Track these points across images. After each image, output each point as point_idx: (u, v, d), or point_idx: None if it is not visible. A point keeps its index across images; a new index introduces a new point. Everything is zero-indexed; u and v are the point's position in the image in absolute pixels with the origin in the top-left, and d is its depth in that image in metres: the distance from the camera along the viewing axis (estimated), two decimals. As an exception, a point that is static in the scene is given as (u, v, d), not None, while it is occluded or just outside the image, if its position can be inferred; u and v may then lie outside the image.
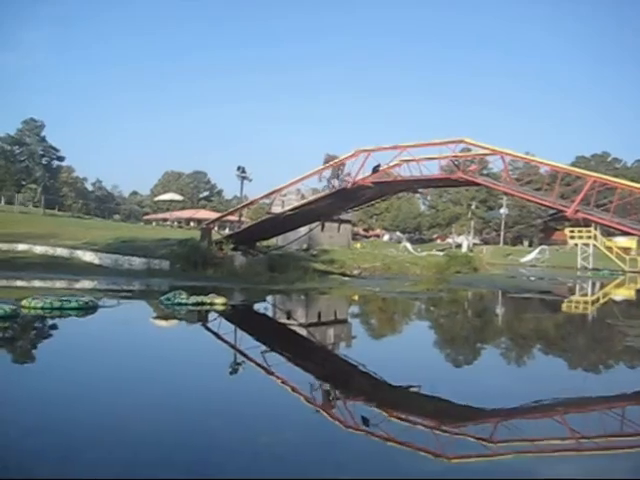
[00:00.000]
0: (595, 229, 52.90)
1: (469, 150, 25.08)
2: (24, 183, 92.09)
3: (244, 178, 32.19)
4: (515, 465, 5.99)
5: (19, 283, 19.89)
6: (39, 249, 26.78)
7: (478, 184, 26.64)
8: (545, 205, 24.36)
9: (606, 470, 6.04)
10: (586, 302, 28.21)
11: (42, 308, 13.77)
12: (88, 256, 26.14)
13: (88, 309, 14.33)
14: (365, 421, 7.07)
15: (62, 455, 5.51)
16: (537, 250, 60.84)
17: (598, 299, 30.58)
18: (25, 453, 5.52)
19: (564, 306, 25.61)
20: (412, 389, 9.00)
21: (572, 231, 57.10)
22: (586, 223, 44.56)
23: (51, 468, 5.20)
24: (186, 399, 7.63)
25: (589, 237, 54.89)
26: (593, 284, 39.04)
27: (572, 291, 34.49)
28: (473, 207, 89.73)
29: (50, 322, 13.34)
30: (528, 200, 27.16)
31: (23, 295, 14.81)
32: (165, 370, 9.34)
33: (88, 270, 23.98)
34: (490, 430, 6.89)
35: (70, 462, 5.34)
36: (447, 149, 23.66)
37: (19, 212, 42.54)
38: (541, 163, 25.97)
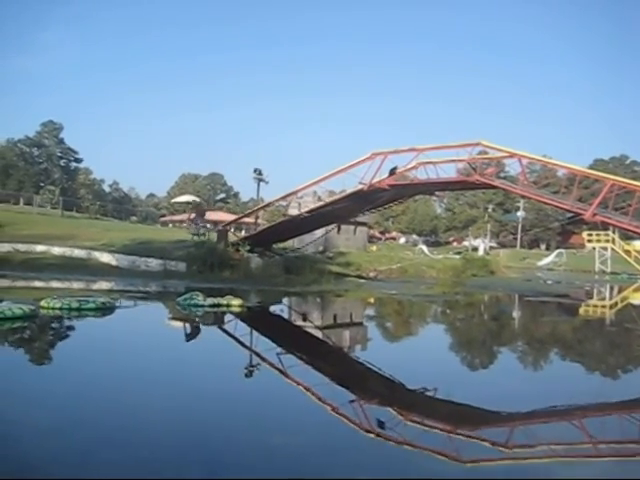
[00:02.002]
0: (613, 232, 52.42)
1: (486, 153, 24.97)
2: (42, 185, 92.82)
3: (260, 180, 32.21)
4: (531, 470, 5.94)
5: (38, 284, 20.06)
6: (57, 250, 26.97)
7: (495, 187, 26.53)
8: (563, 208, 24.24)
9: (624, 476, 5.99)
10: (604, 306, 27.96)
11: (60, 308, 13.89)
12: (105, 257, 26.29)
13: (105, 310, 14.43)
14: (381, 424, 7.06)
15: (81, 455, 5.54)
16: (554, 254, 60.39)
17: (616, 303, 30.35)
18: (45, 453, 5.56)
19: (581, 310, 25.45)
20: (428, 392, 8.97)
21: (590, 234, 56.65)
22: (604, 226, 44.21)
23: (69, 468, 5.24)
24: (202, 400, 7.65)
25: (607, 240, 54.43)
26: (611, 288, 38.72)
27: (590, 295, 34.25)
28: (490, 210, 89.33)
29: (68, 322, 13.45)
30: (545, 203, 27.04)
31: (42, 295, 14.95)
32: (182, 371, 9.36)
33: (105, 271, 24.13)
34: (506, 434, 6.86)
35: (88, 462, 5.38)
36: (464, 152, 23.60)
37: (38, 213, 42.87)
38: (558, 166, 25.86)
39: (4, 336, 11.53)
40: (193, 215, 33.27)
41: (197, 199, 79.26)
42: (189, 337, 13.48)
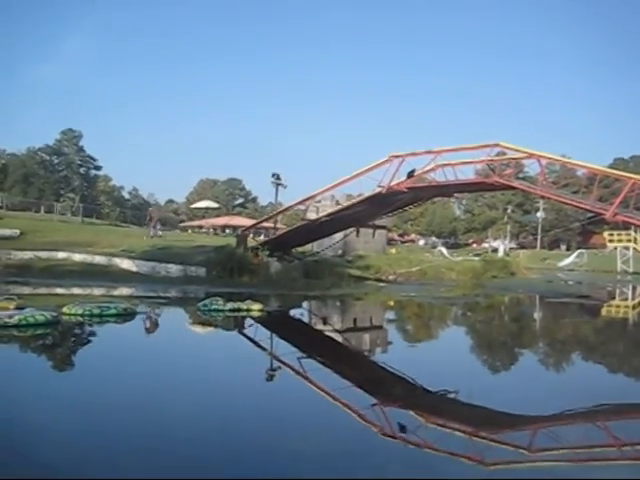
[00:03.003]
0: (635, 232, 51.94)
1: (504, 154, 24.85)
2: (63, 192, 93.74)
3: (279, 185, 32.18)
4: (555, 474, 5.89)
5: (59, 290, 20.23)
6: (78, 257, 27.19)
7: (514, 188, 26.41)
8: (583, 208, 24.09)
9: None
10: (627, 307, 27.71)
11: (82, 315, 14.00)
12: (126, 263, 26.46)
13: (127, 316, 14.53)
14: (402, 427, 7.05)
15: (106, 460, 5.59)
16: (575, 254, 59.87)
17: (639, 303, 30.06)
18: (71, 457, 5.61)
19: (604, 311, 25.23)
20: (449, 395, 8.94)
21: (611, 234, 56.15)
22: (625, 226, 43.84)
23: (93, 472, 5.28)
24: (224, 405, 7.68)
25: (629, 240, 53.90)
26: (633, 288, 38.33)
27: (612, 295, 33.92)
28: (509, 211, 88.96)
29: (90, 328, 13.56)
30: (565, 203, 26.88)
31: (63, 302, 15.08)
32: (204, 376, 9.41)
33: (126, 277, 24.28)
34: (528, 437, 6.81)
35: (116, 465, 5.42)
36: (482, 153, 23.51)
37: (58, 221, 43.18)
38: (578, 165, 25.71)
39: (28, 342, 11.65)
40: (149, 219, 34.92)
41: (216, 204, 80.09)
42: (211, 342, 13.54)
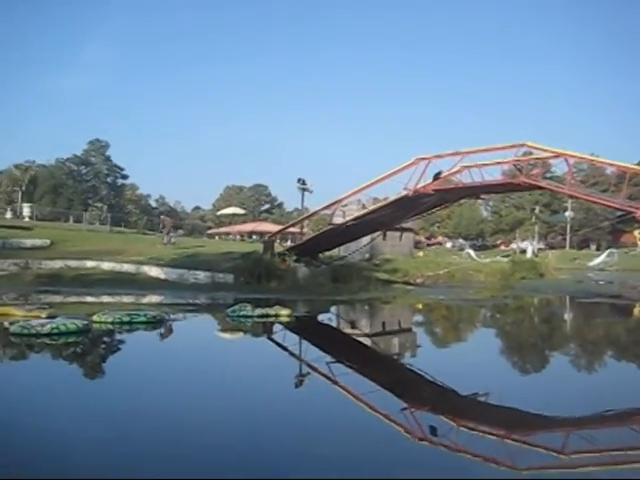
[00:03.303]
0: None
1: (531, 154, 24.65)
2: (91, 202, 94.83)
3: (305, 190, 32.25)
4: (590, 477, 5.81)
5: (89, 299, 20.43)
6: (107, 265, 27.44)
7: (542, 188, 26.19)
8: (612, 207, 23.78)
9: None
10: (659, 306, 27.33)
11: (112, 323, 14.13)
12: (154, 271, 26.64)
13: (156, 323, 14.64)
14: (433, 431, 7.01)
15: (135, 467, 5.63)
16: (605, 253, 59.12)
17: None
18: (100, 463, 5.66)
19: (636, 310, 24.90)
20: (479, 398, 8.88)
21: (642, 233, 55.56)
22: (656, 224, 43.23)
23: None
24: (253, 409, 7.70)
25: (660, 238, 53.28)
26: (666, 287, 37.78)
27: (644, 295, 33.47)
28: (537, 211, 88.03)
29: (121, 336, 13.67)
30: (594, 202, 26.59)
31: (93, 310, 15.24)
32: (234, 382, 9.44)
33: (154, 285, 24.44)
34: (562, 440, 6.74)
35: (144, 471, 5.46)
36: (509, 153, 23.32)
37: (87, 230, 43.62)
38: (607, 164, 25.41)
39: (60, 351, 11.79)
40: (163, 226, 35.60)
41: (242, 211, 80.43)
42: (241, 348, 13.60)
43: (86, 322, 13.27)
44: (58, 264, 26.87)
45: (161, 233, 36.22)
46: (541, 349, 15.20)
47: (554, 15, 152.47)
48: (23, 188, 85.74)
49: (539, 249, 67.40)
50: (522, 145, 22.92)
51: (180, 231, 64.92)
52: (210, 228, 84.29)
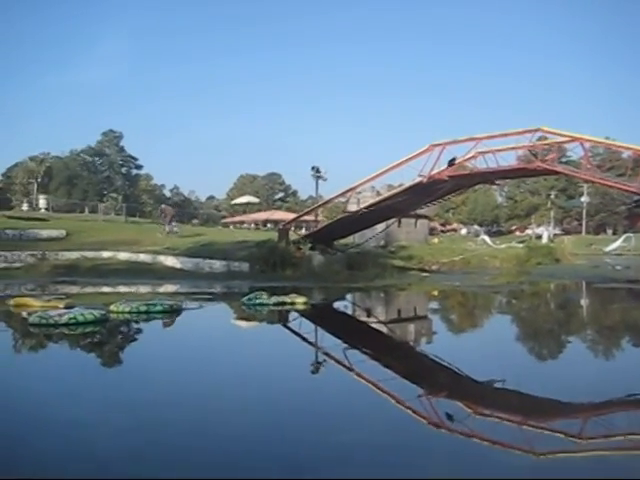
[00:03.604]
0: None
1: (546, 139, 24.49)
2: (106, 192, 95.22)
3: (319, 178, 32.20)
4: (608, 462, 5.78)
5: (105, 289, 20.56)
6: (123, 255, 27.59)
7: (557, 173, 26.05)
8: (629, 191, 23.63)
9: None
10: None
11: (129, 312, 14.22)
12: (170, 261, 26.77)
13: (173, 312, 14.71)
14: (449, 417, 7.01)
15: (158, 456, 5.68)
16: (622, 238, 58.67)
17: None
18: (120, 453, 5.71)
19: (653, 295, 24.74)
20: (496, 384, 8.87)
21: (659, 217, 55.06)
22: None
23: (146, 467, 5.37)
24: (270, 398, 7.73)
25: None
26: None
27: (662, 279, 33.22)
28: (552, 197, 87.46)
29: (139, 325, 13.77)
30: (611, 187, 26.43)
31: (110, 300, 15.34)
32: (250, 370, 9.47)
33: (170, 274, 24.56)
34: (579, 425, 6.73)
35: (166, 461, 5.50)
36: (524, 139, 23.19)
37: (102, 220, 43.85)
38: (623, 147, 25.22)
39: (78, 340, 11.90)
40: (164, 216, 35.82)
41: (256, 199, 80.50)
42: (257, 336, 13.65)
43: (103, 312, 13.37)
44: (74, 255, 27.07)
45: (163, 223, 36.16)
46: (558, 335, 15.14)
47: (555, 8, 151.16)
48: (39, 180, 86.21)
49: (555, 234, 67.11)
50: (537, 130, 22.78)
51: (194, 221, 65.11)
52: (224, 217, 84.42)
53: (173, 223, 36.55)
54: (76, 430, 6.32)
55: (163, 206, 41.57)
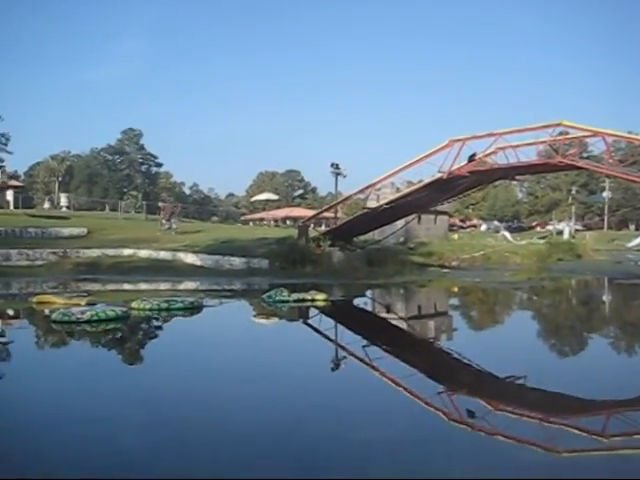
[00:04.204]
0: None
1: (567, 133, 24.28)
2: (126, 190, 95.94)
3: (338, 174, 32.19)
4: (632, 461, 5.72)
5: (127, 286, 20.70)
6: (143, 253, 27.73)
7: (579, 168, 25.80)
8: (652, 186, 23.36)
9: None
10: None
11: (150, 309, 14.33)
12: (190, 258, 26.87)
13: (193, 309, 14.79)
14: (470, 414, 6.99)
15: (177, 452, 5.70)
16: (645, 233, 58.16)
17: None
18: (143, 449, 5.76)
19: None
20: (517, 381, 8.81)
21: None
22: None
23: (166, 466, 5.40)
24: (290, 394, 7.75)
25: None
26: None
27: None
28: (573, 192, 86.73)
29: (160, 322, 13.88)
30: (633, 181, 26.11)
31: (131, 297, 15.46)
32: (271, 367, 9.50)
33: (190, 271, 24.66)
34: (602, 422, 6.67)
35: (184, 457, 5.53)
36: (544, 133, 23.01)
37: (123, 218, 44.18)
38: (646, 142, 24.89)
39: (101, 337, 12.01)
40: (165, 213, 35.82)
41: (275, 196, 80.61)
42: (278, 333, 13.69)
43: (125, 309, 13.49)
44: (96, 252, 27.27)
45: (167, 220, 36.16)
46: (580, 331, 15.03)
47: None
48: (60, 178, 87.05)
49: (576, 230, 66.43)
50: (558, 124, 22.58)
51: (213, 218, 65.26)
52: (244, 214, 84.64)
53: (172, 220, 36.48)
54: (97, 425, 6.36)
55: (161, 204, 41.72)
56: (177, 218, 37.59)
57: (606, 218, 76.74)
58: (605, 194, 76.50)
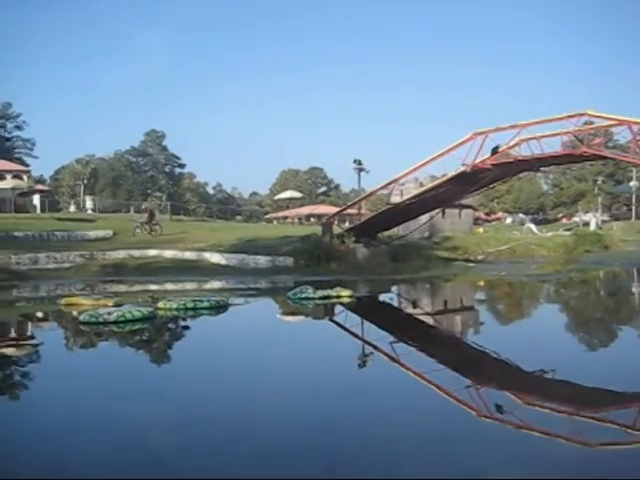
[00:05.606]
0: None
1: (592, 123, 23.99)
2: (150, 192, 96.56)
3: (361, 170, 32.16)
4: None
5: (153, 287, 20.81)
6: (169, 253, 27.85)
7: (604, 157, 25.52)
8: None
9: None
10: None
11: (177, 309, 14.41)
12: (215, 257, 26.94)
13: (220, 308, 14.84)
14: (499, 408, 6.93)
15: (206, 449, 5.72)
16: (674, 223, 57.32)
17: None
18: (169, 448, 5.78)
19: None
20: (546, 374, 8.72)
21: None
22: None
23: (199, 462, 5.41)
24: (317, 391, 7.75)
25: None
26: None
27: None
28: (599, 182, 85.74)
29: (187, 322, 13.96)
30: (660, 171, 25.74)
31: (157, 298, 15.55)
32: (297, 364, 9.51)
33: (216, 271, 24.72)
34: (634, 416, 6.58)
35: (214, 452, 5.55)
36: (568, 124, 22.74)
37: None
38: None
39: (128, 337, 12.13)
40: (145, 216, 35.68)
41: (299, 194, 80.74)
42: (305, 330, 13.70)
43: (151, 309, 13.59)
44: (121, 254, 27.43)
45: (147, 223, 34.97)
46: (609, 323, 14.86)
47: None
48: (85, 182, 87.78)
49: (603, 221, 65.74)
50: (582, 114, 22.30)
51: (237, 217, 65.43)
52: (268, 213, 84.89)
53: (154, 220, 35.61)
54: (127, 424, 6.42)
55: (145, 205, 41.52)
56: (156, 220, 36.24)
57: (634, 208, 75.68)
58: (632, 184, 75.44)
